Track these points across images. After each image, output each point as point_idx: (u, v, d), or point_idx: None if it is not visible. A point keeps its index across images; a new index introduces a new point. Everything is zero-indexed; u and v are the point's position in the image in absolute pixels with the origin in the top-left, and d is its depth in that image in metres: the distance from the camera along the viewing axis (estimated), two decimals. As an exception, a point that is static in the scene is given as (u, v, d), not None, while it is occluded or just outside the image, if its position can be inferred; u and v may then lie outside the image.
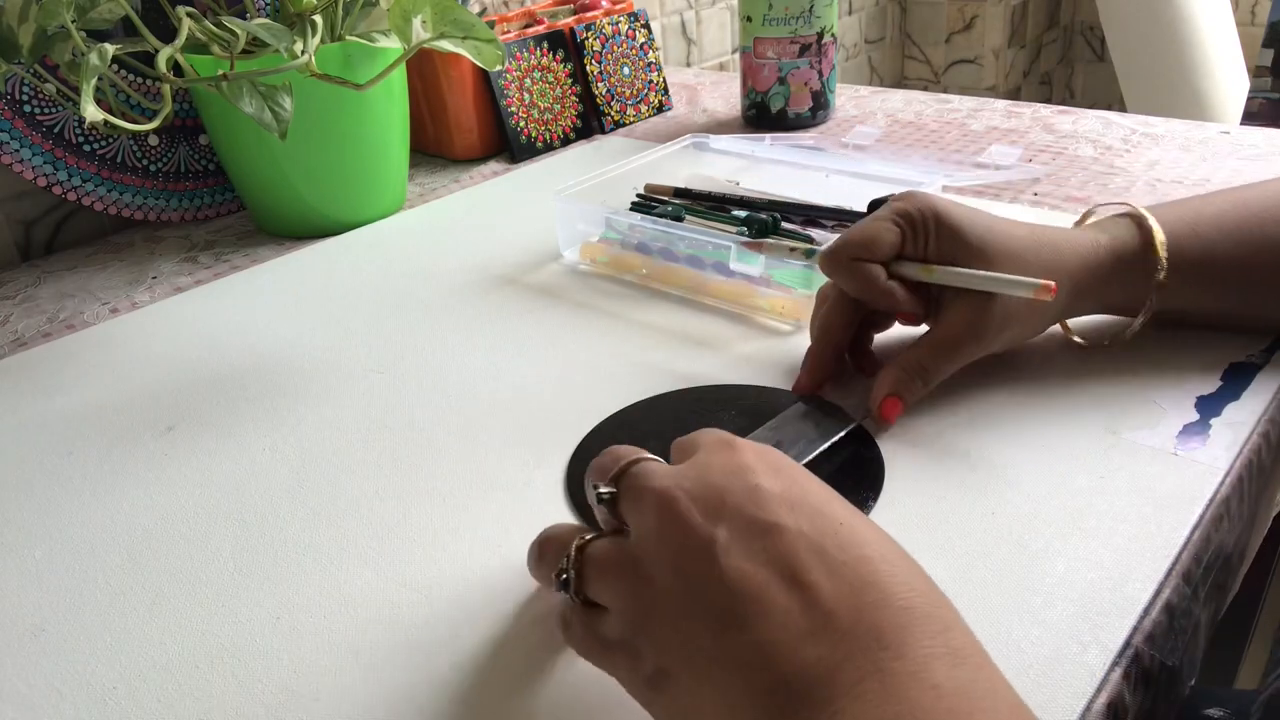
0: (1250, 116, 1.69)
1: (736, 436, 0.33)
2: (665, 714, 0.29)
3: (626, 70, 0.95)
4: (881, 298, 0.47)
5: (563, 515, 0.42)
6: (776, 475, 0.30)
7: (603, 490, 0.32)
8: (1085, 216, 0.52)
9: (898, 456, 0.44)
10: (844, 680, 0.25)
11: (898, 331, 0.51)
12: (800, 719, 0.25)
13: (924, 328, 0.48)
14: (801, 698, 0.26)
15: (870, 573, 0.27)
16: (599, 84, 0.93)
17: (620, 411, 0.49)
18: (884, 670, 0.25)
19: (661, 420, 0.48)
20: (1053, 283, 0.42)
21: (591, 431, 0.47)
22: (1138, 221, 0.47)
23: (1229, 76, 1.62)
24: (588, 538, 0.32)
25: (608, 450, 0.33)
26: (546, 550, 0.34)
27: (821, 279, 0.56)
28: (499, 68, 0.70)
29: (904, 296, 0.47)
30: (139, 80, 0.77)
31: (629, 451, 0.33)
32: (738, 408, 0.48)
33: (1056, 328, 0.50)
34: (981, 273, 0.44)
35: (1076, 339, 0.50)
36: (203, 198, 0.82)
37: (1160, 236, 0.46)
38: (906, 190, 0.48)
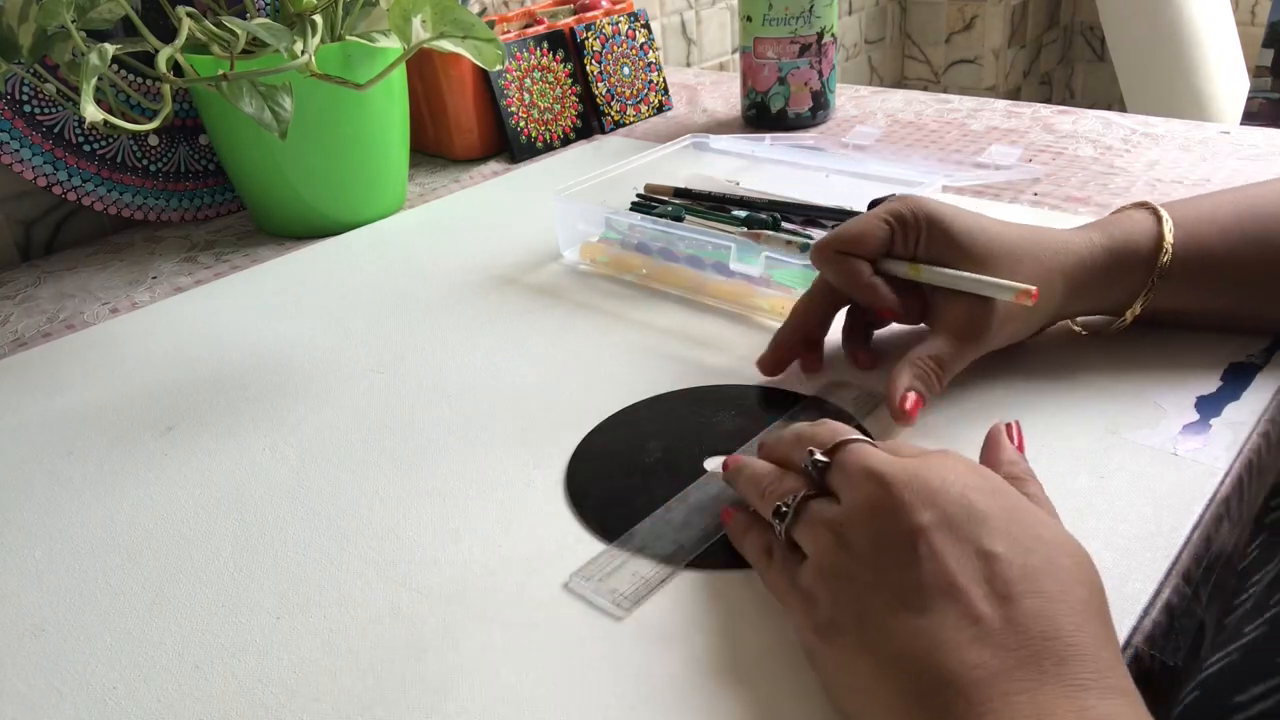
0: (1250, 116, 1.69)
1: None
2: (825, 666, 0.32)
3: (626, 70, 0.95)
4: (864, 291, 0.48)
5: (563, 515, 0.42)
6: (988, 491, 0.32)
7: (820, 457, 0.35)
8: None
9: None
10: (1000, 689, 0.27)
11: (894, 330, 0.51)
12: (948, 714, 0.27)
13: (920, 326, 0.49)
14: (955, 694, 0.28)
15: (1050, 609, 0.29)
16: (599, 84, 0.93)
17: (621, 411, 0.49)
18: (1040, 688, 0.27)
19: (663, 420, 0.48)
20: (1033, 288, 0.43)
21: (592, 431, 0.47)
22: (1152, 211, 0.47)
23: (1229, 76, 1.62)
24: (813, 492, 0.35)
25: (822, 422, 0.38)
26: (772, 484, 0.37)
27: (821, 279, 0.57)
28: (499, 68, 0.70)
29: (886, 292, 0.47)
30: (139, 80, 0.77)
31: (845, 429, 0.37)
32: (738, 408, 0.48)
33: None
34: (964, 274, 0.45)
35: (1076, 328, 0.50)
36: (203, 198, 0.82)
37: (1169, 225, 0.46)
38: (904, 193, 0.48)
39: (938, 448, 0.43)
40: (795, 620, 0.34)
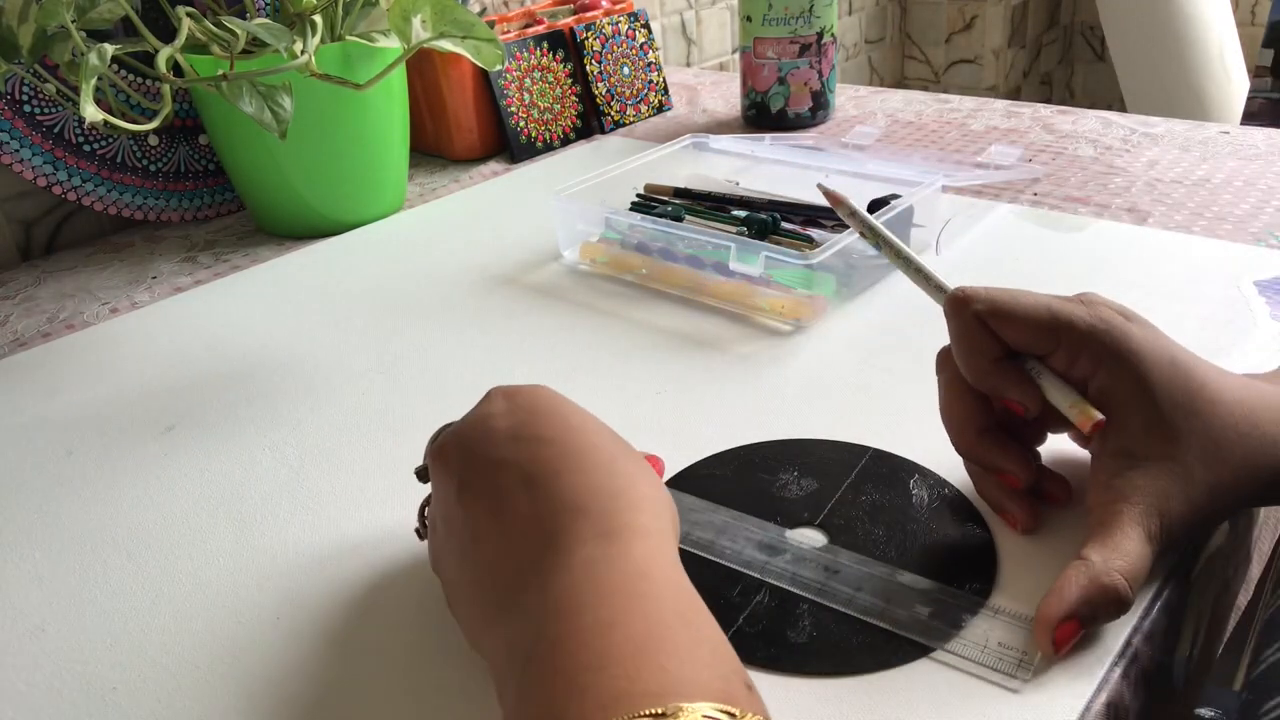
0: (1250, 116, 1.69)
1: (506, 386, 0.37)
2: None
3: (626, 70, 0.95)
4: (986, 374, 0.37)
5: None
6: (509, 414, 0.35)
7: (421, 465, 0.38)
8: None
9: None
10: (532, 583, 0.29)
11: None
12: (506, 602, 0.30)
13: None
14: (505, 586, 0.30)
15: (557, 490, 0.31)
16: (599, 84, 0.93)
17: (671, 481, 0.44)
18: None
19: (721, 488, 0.43)
20: (1099, 417, 0.35)
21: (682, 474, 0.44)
22: None
23: (1229, 76, 1.62)
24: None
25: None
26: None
27: (821, 279, 0.57)
28: (499, 68, 0.70)
29: (1018, 380, 0.37)
30: (139, 80, 0.77)
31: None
32: (800, 467, 0.43)
33: None
34: (1049, 375, 0.37)
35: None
36: (203, 198, 0.82)
37: None
38: (1094, 296, 0.37)
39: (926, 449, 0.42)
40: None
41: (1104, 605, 0.33)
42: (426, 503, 0.39)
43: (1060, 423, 0.39)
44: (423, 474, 0.38)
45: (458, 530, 0.33)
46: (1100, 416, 0.35)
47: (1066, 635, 0.32)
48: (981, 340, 0.37)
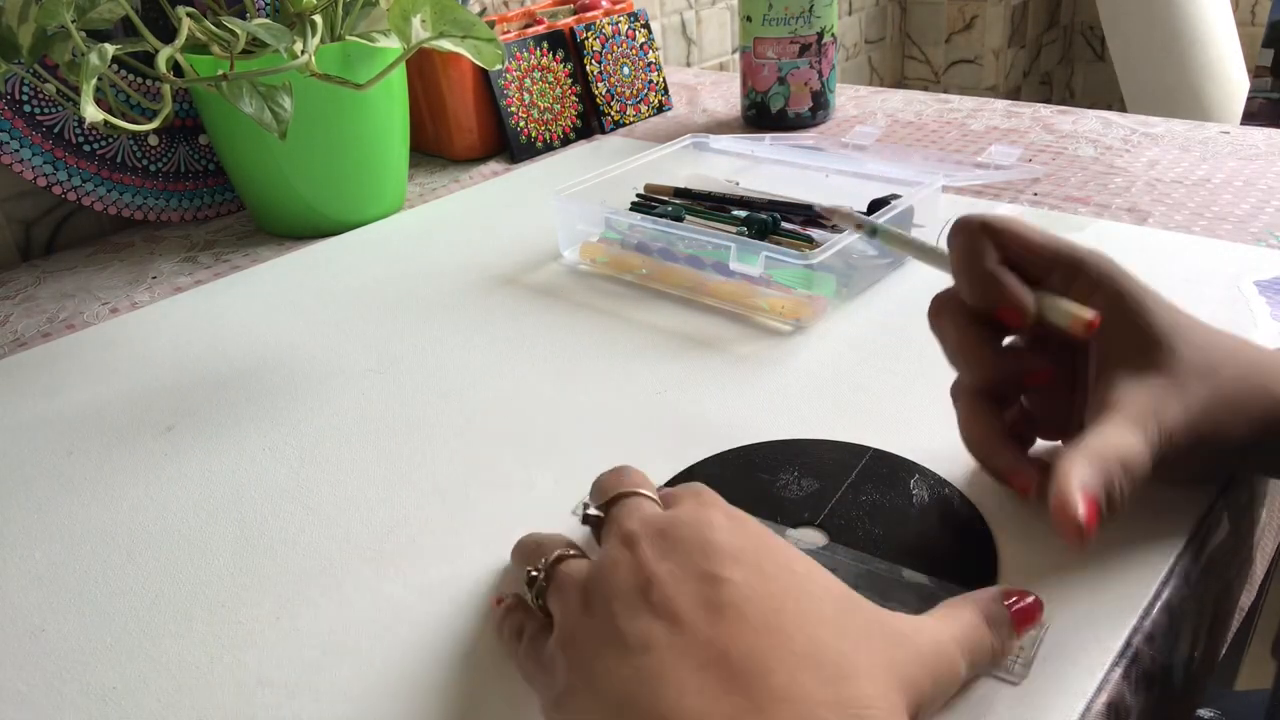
0: (1250, 116, 1.69)
1: (715, 496, 0.33)
2: None
3: (626, 70, 0.95)
4: (983, 279, 0.37)
5: (563, 515, 0.42)
6: (733, 532, 0.30)
7: (591, 512, 0.34)
8: None
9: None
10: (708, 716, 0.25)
11: None
12: None
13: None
14: None
15: (760, 642, 0.27)
16: (599, 84, 0.93)
17: (674, 479, 0.44)
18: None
19: (722, 489, 0.42)
20: (1093, 315, 0.36)
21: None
22: None
23: (1229, 76, 1.62)
24: (571, 553, 0.33)
25: (619, 470, 0.35)
26: (530, 550, 0.36)
27: (821, 279, 0.57)
28: (499, 67, 0.70)
29: (1012, 282, 0.37)
30: (139, 80, 0.77)
31: (630, 482, 0.34)
32: (800, 467, 0.43)
33: None
34: (1042, 293, 0.37)
35: None
36: (203, 198, 0.82)
37: None
38: (1092, 249, 0.38)
39: (924, 450, 0.42)
40: (540, 698, 0.31)
41: (1106, 481, 0.32)
42: (562, 554, 0.33)
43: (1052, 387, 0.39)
44: (592, 522, 0.34)
45: (631, 625, 0.28)
46: (1093, 313, 0.35)
47: (1093, 514, 0.31)
48: (982, 249, 0.37)
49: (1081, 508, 0.31)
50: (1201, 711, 0.36)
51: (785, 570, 0.29)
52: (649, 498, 0.33)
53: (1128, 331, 0.36)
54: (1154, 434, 0.34)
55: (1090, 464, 0.32)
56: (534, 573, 0.33)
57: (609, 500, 0.33)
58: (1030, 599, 0.32)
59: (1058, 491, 0.31)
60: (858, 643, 0.27)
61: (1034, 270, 0.38)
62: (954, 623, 0.30)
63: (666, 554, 0.29)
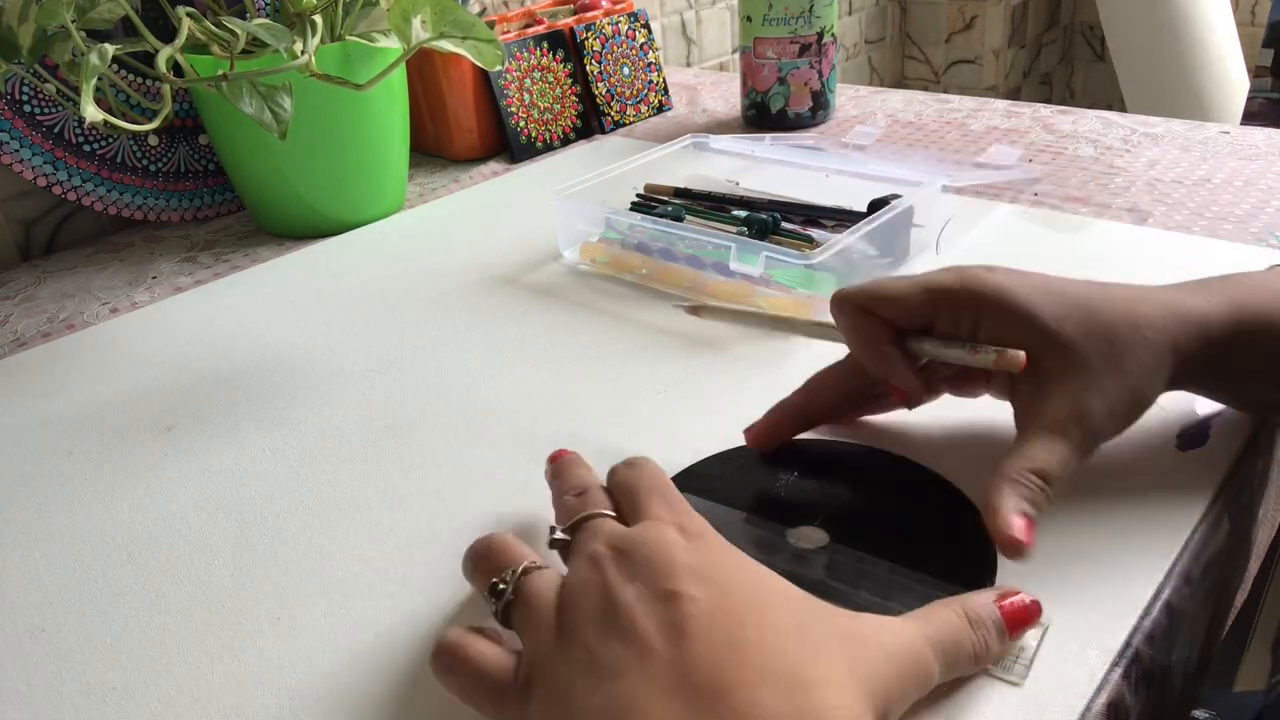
0: (1250, 116, 1.69)
1: (677, 501, 0.34)
2: None
3: (626, 70, 0.95)
4: (876, 359, 0.41)
5: (563, 515, 0.42)
6: (692, 550, 0.31)
7: (559, 536, 0.34)
8: None
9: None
10: None
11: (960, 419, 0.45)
12: None
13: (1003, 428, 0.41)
14: None
15: (724, 657, 0.27)
16: (599, 84, 0.93)
17: (676, 477, 0.44)
18: None
19: (720, 487, 0.43)
20: (1021, 355, 0.37)
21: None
22: None
23: (1229, 76, 1.62)
24: (536, 565, 0.33)
25: (582, 491, 0.36)
26: (490, 556, 0.34)
27: (821, 279, 0.57)
28: (499, 68, 0.70)
29: (902, 369, 0.40)
30: (139, 80, 0.77)
31: (593, 503, 0.35)
32: (800, 467, 0.43)
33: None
34: (950, 345, 0.39)
35: None
36: (203, 198, 0.82)
37: None
38: (956, 266, 0.40)
39: (924, 448, 0.42)
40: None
41: (1033, 496, 0.35)
42: (530, 566, 0.33)
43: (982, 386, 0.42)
44: (559, 546, 0.34)
45: (600, 650, 0.28)
46: (1023, 354, 0.37)
47: (1028, 530, 0.34)
48: (869, 329, 0.40)
49: (1016, 531, 0.34)
50: (1197, 713, 0.37)
51: (745, 583, 0.30)
52: (611, 517, 0.34)
53: (1026, 345, 0.37)
54: (1078, 436, 0.36)
55: (1013, 489, 0.35)
56: (500, 585, 0.32)
57: (573, 524, 0.34)
58: (1023, 598, 0.33)
59: (993, 521, 0.34)
60: (818, 650, 0.28)
61: (920, 321, 0.40)
62: (928, 623, 0.31)
63: (631, 576, 0.30)
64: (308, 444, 0.49)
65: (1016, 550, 0.34)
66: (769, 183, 0.71)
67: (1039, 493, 0.35)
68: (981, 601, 0.32)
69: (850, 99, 0.98)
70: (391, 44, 0.68)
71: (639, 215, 0.63)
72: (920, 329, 0.40)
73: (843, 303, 0.41)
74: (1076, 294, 0.38)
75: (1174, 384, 0.39)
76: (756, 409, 0.48)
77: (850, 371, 0.43)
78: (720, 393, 0.50)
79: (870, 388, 0.43)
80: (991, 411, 0.46)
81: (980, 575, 0.36)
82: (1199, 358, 0.38)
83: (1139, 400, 0.37)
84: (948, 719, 0.31)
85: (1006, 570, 0.37)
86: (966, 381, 0.42)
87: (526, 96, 0.88)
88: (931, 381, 0.42)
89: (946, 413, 0.46)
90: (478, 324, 0.59)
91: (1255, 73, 1.72)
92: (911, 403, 0.43)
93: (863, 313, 0.40)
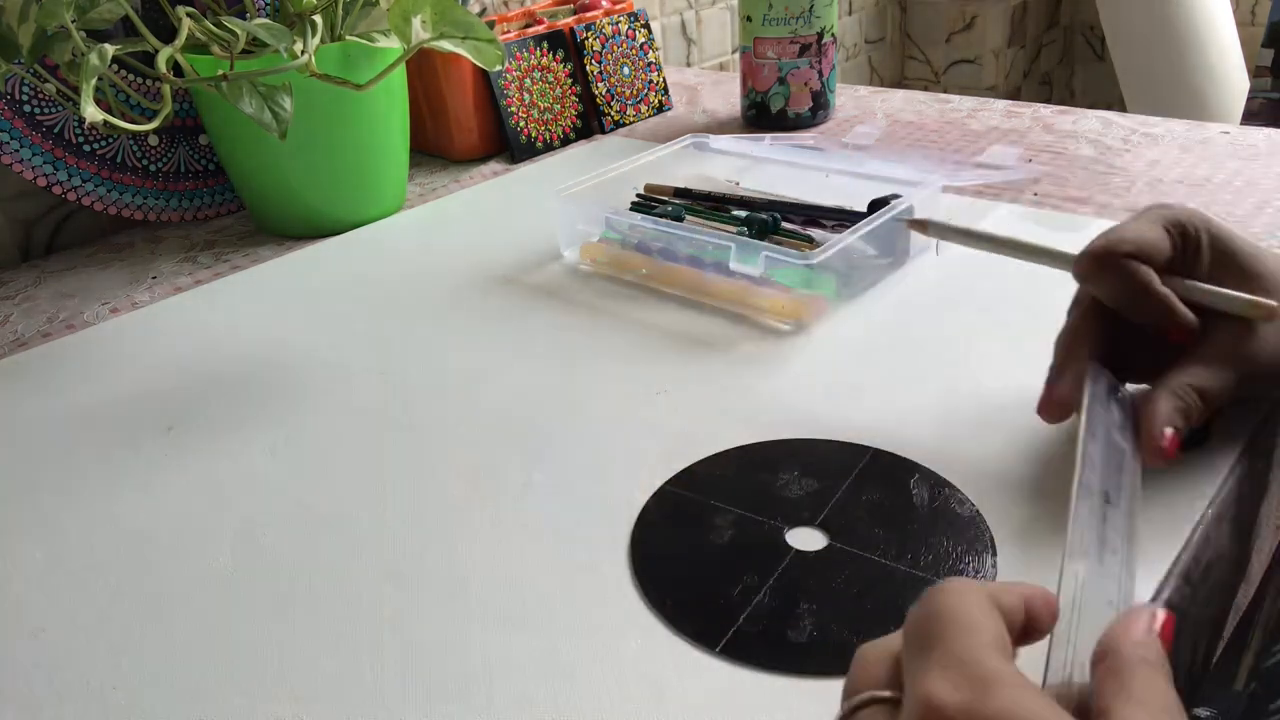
0: (1250, 116, 1.69)
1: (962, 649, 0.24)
2: None
3: (626, 70, 0.95)
4: (1155, 307, 0.39)
5: (562, 515, 0.42)
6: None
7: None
8: None
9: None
10: None
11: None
12: None
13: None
14: None
15: None
16: (599, 84, 0.93)
17: (677, 476, 0.44)
18: None
19: (723, 487, 0.42)
20: (1275, 304, 0.39)
21: (651, 500, 0.42)
22: None
23: (1229, 76, 1.62)
24: (883, 696, 0.26)
25: (865, 660, 0.27)
26: (854, 668, 0.28)
27: (821, 279, 0.57)
28: (499, 68, 0.70)
29: (1183, 308, 0.40)
30: (139, 80, 0.77)
31: (862, 682, 0.27)
32: (801, 466, 0.43)
33: None
34: (1211, 288, 0.40)
35: None
36: (203, 198, 0.82)
37: None
38: (1161, 204, 0.41)
39: (924, 448, 0.42)
40: None
41: (1183, 408, 0.38)
42: (867, 699, 0.26)
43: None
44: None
45: None
46: (1272, 303, 0.39)
47: (1174, 443, 0.37)
48: (1139, 278, 0.39)
49: (1164, 441, 0.37)
50: (1198, 711, 0.37)
51: None
52: (884, 700, 0.26)
53: (1225, 266, 0.40)
54: (1242, 369, 0.39)
55: (1170, 399, 0.38)
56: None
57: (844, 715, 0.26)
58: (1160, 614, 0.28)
59: (1146, 426, 0.37)
60: None
61: (1167, 259, 0.40)
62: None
63: None
64: (307, 444, 0.49)
65: (1160, 458, 0.36)
66: (769, 183, 0.71)
67: (1194, 407, 0.38)
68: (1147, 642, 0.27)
69: (850, 99, 0.98)
70: (391, 44, 0.68)
71: (639, 215, 0.63)
72: (1168, 264, 0.40)
73: (1105, 257, 0.39)
74: (1272, 255, 0.41)
75: None
76: (757, 409, 0.48)
77: (1101, 312, 0.41)
78: (720, 393, 0.50)
79: (1129, 336, 0.42)
80: (991, 412, 0.46)
81: (980, 576, 0.37)
82: None
83: None
84: None
85: (1007, 571, 0.37)
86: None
87: (526, 96, 0.88)
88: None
89: (946, 413, 0.46)
90: (478, 324, 0.59)
91: (1255, 73, 1.72)
92: (1194, 338, 0.41)
93: (1130, 263, 0.39)
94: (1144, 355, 0.42)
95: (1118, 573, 0.31)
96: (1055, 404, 0.40)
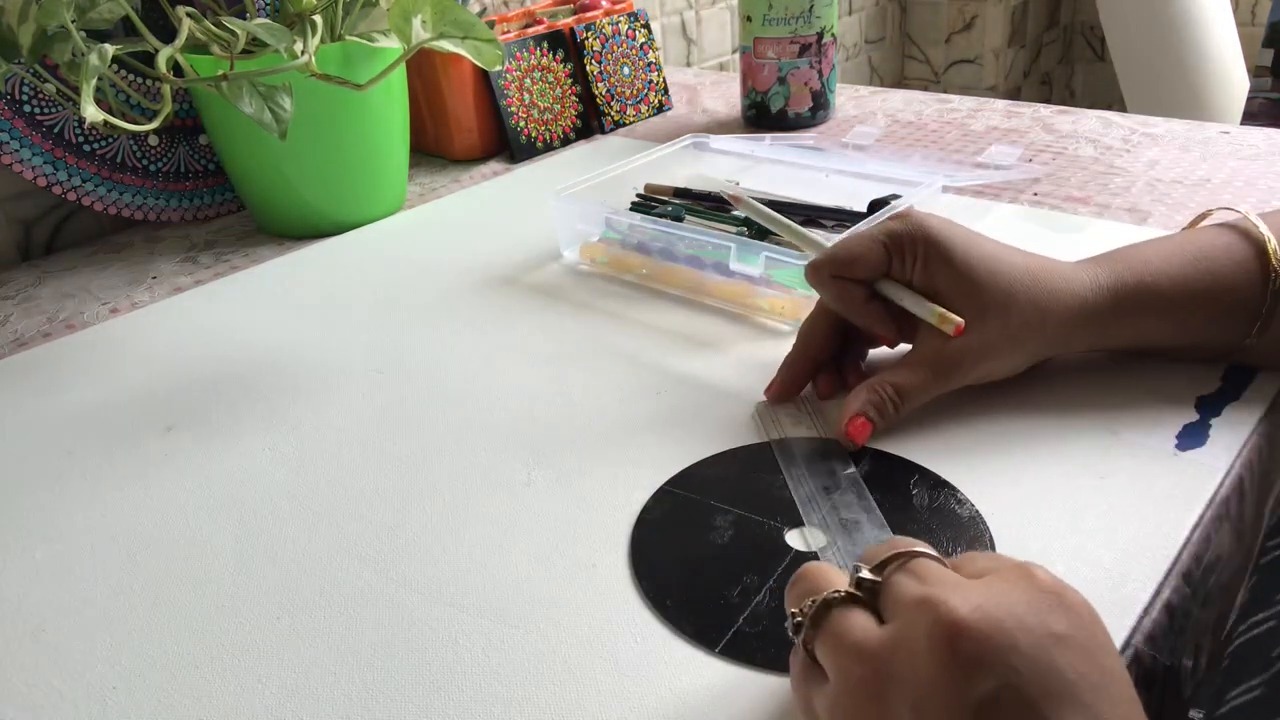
0: (1250, 116, 1.69)
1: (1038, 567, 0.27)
2: None
3: (626, 70, 0.95)
4: (858, 316, 0.47)
5: (562, 515, 0.42)
6: (1074, 644, 0.25)
7: (865, 575, 0.28)
8: (1198, 220, 0.51)
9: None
10: None
11: (886, 351, 0.50)
12: None
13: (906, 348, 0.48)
14: None
15: None
16: (599, 84, 0.93)
17: (678, 475, 0.44)
18: None
19: (724, 487, 0.43)
20: (959, 321, 0.43)
21: (650, 500, 0.42)
22: (1244, 232, 0.45)
23: (1229, 76, 1.62)
24: (841, 593, 0.29)
25: (893, 542, 0.30)
26: (799, 584, 0.30)
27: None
28: (499, 68, 0.70)
29: (883, 318, 0.47)
30: (139, 80, 0.77)
31: (904, 542, 0.29)
32: (803, 466, 0.44)
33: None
34: (908, 293, 0.45)
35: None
36: (203, 198, 0.82)
37: (1273, 243, 0.44)
38: (904, 210, 0.47)
39: (924, 448, 0.43)
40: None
41: (878, 405, 0.44)
42: (831, 597, 0.29)
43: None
44: (870, 592, 0.29)
45: None
46: (960, 321, 0.43)
47: (859, 430, 0.43)
48: (847, 293, 0.46)
49: (851, 427, 0.43)
50: (1194, 714, 0.37)
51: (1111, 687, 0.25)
52: (936, 559, 0.29)
53: (939, 271, 0.44)
54: (928, 372, 0.44)
55: (867, 392, 0.44)
56: (798, 618, 0.29)
57: (885, 560, 0.29)
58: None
59: (841, 413, 0.44)
60: None
61: (884, 268, 0.46)
62: None
63: (995, 662, 0.24)
64: (308, 444, 0.49)
65: (847, 440, 0.44)
66: (769, 183, 0.71)
67: (889, 400, 0.44)
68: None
69: (850, 99, 0.98)
70: (391, 44, 0.68)
71: (639, 215, 0.63)
72: (884, 273, 0.46)
73: (818, 274, 0.47)
74: (997, 251, 0.45)
75: (1060, 345, 0.45)
76: (757, 409, 0.48)
77: (827, 315, 0.48)
78: (720, 393, 0.50)
79: (855, 330, 0.49)
80: (992, 413, 0.46)
81: None
82: (1080, 322, 0.44)
83: (1019, 349, 0.44)
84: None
85: (1006, 570, 0.37)
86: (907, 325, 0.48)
87: (526, 96, 0.88)
88: (903, 325, 0.47)
89: (946, 413, 0.46)
90: (478, 324, 0.59)
91: (1255, 73, 1.72)
92: (894, 343, 0.49)
93: (837, 280, 0.46)
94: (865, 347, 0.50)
95: (876, 534, 0.39)
96: (772, 394, 0.48)
